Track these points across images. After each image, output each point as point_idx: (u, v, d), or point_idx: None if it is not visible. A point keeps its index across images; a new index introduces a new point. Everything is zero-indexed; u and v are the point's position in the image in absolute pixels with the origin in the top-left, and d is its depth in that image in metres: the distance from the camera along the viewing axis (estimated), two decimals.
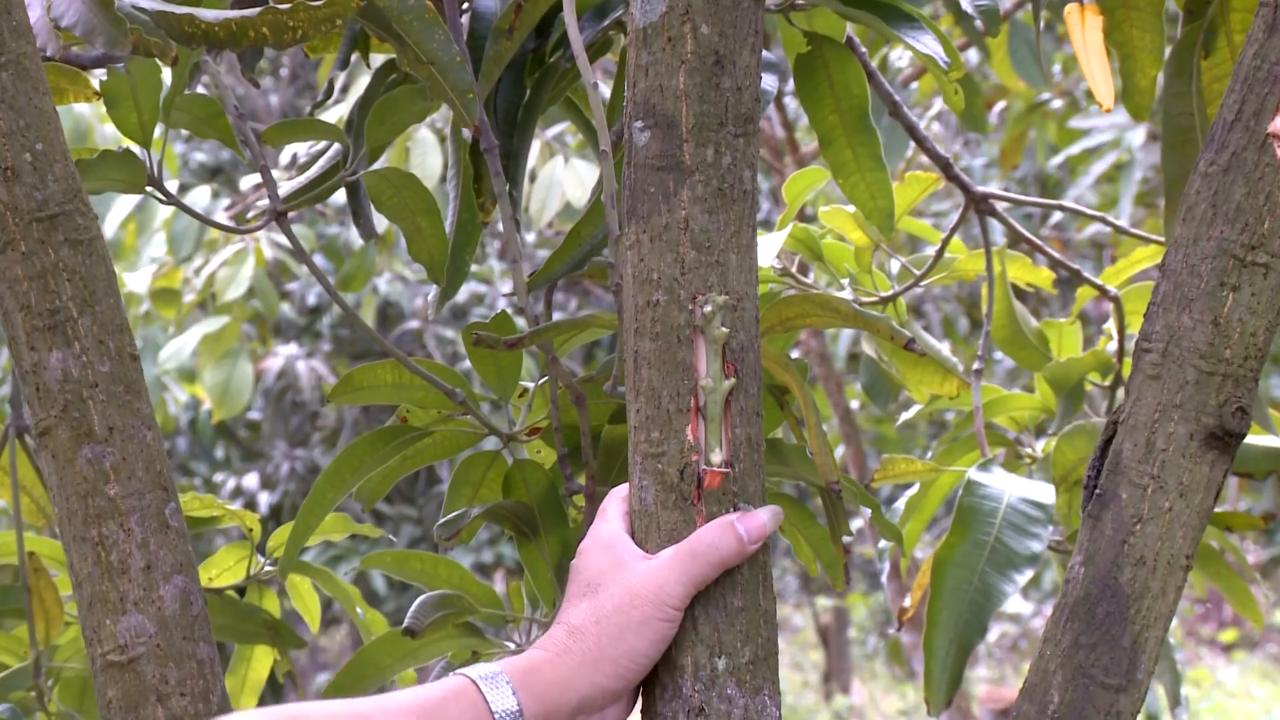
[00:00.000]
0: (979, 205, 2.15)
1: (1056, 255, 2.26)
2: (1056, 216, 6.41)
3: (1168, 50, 1.70)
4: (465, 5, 1.67)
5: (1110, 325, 2.16)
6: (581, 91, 1.80)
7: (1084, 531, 1.30)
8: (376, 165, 1.64)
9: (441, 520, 1.63)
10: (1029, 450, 2.11)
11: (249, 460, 8.18)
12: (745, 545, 1.25)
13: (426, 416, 1.66)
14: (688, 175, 1.27)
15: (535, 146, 4.67)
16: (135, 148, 1.59)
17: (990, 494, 1.69)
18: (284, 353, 7.11)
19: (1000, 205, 2.20)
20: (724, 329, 1.27)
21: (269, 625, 1.82)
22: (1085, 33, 1.75)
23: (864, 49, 1.86)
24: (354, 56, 1.72)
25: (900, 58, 4.35)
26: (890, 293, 2.16)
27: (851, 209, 2.11)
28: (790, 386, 1.50)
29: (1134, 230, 2.28)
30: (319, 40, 1.76)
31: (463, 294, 7.17)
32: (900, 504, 2.04)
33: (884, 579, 2.18)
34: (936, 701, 1.57)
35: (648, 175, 1.28)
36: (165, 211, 4.83)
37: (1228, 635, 11.57)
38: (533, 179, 4.67)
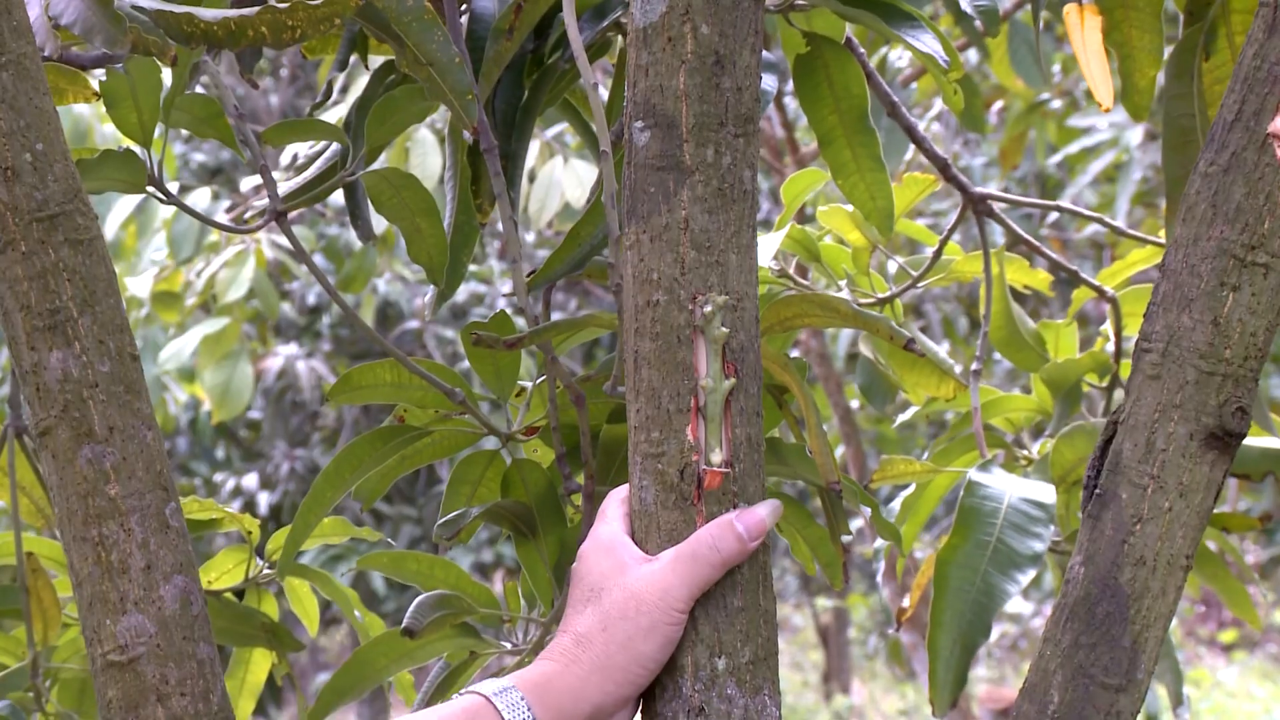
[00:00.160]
0: (977, 206, 2.15)
1: (1054, 256, 2.26)
2: (1056, 215, 6.41)
3: (1167, 51, 1.70)
4: (464, 6, 1.67)
5: (1108, 326, 2.16)
6: (579, 93, 1.80)
7: (1084, 531, 1.30)
8: (376, 166, 1.64)
9: (441, 520, 1.63)
10: (1025, 453, 2.11)
11: (249, 460, 8.18)
12: (746, 543, 1.25)
13: (425, 416, 1.66)
14: (688, 175, 1.27)
15: (534, 147, 4.67)
16: (135, 148, 1.59)
17: (991, 494, 1.69)
18: (284, 352, 7.11)
19: (998, 206, 2.20)
20: (724, 329, 1.27)
21: (267, 628, 1.82)
22: (1084, 33, 1.75)
23: (862, 50, 1.86)
24: (353, 58, 1.72)
25: (900, 58, 4.35)
26: (887, 294, 2.16)
27: (849, 209, 2.11)
28: (790, 386, 1.50)
29: (1131, 231, 2.28)
30: (317, 41, 1.76)
31: (462, 294, 7.18)
32: (896, 505, 2.05)
33: (879, 579, 2.18)
34: (942, 702, 1.57)
35: (648, 175, 1.28)
36: (166, 212, 4.83)
37: (1228, 635, 11.57)
38: (532, 179, 4.67)
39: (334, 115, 3.79)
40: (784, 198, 2.12)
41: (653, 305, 1.28)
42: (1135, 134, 5.31)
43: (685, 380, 1.27)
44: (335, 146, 1.72)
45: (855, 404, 5.42)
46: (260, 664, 1.94)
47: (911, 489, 2.06)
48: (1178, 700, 1.97)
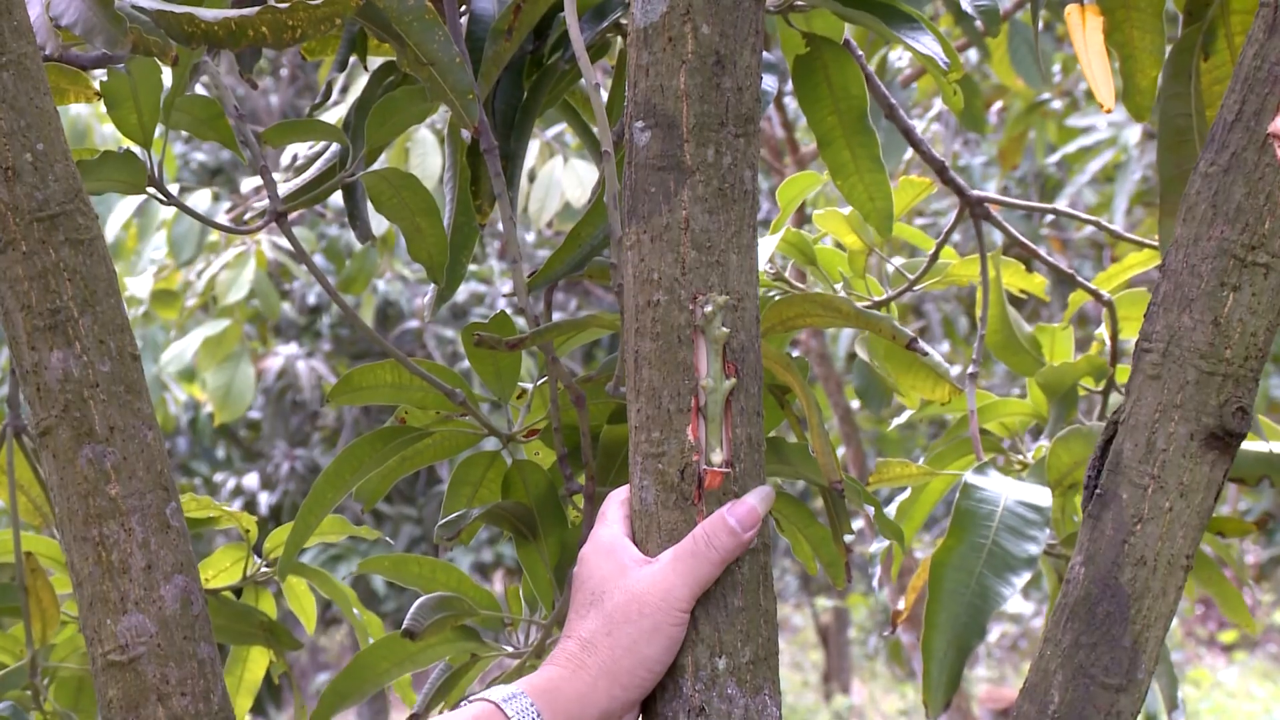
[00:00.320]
0: (974, 209, 2.15)
1: (1051, 260, 2.26)
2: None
3: (1168, 50, 1.70)
4: (464, 6, 1.67)
5: (1103, 330, 2.16)
6: (579, 94, 1.80)
7: (1084, 531, 1.30)
8: (375, 166, 1.64)
9: (441, 521, 1.63)
10: (1020, 457, 2.11)
11: (249, 460, 8.18)
12: (740, 535, 1.25)
13: (426, 417, 1.66)
14: (688, 175, 1.27)
15: (534, 147, 4.67)
16: (135, 148, 1.59)
17: (987, 497, 1.69)
18: (284, 352, 7.11)
19: (996, 209, 2.20)
20: (724, 329, 1.27)
21: (265, 626, 1.82)
22: (1086, 33, 1.75)
23: (860, 53, 1.86)
24: (352, 58, 1.73)
25: (900, 58, 4.35)
26: (883, 297, 2.16)
27: (846, 211, 2.11)
28: (792, 386, 1.50)
29: (1127, 235, 2.28)
30: (317, 42, 1.76)
31: (462, 294, 7.18)
32: (891, 509, 2.04)
33: (875, 583, 2.18)
34: (935, 703, 1.57)
35: (648, 175, 1.28)
36: (166, 213, 4.83)
37: (1228, 635, 11.58)
38: (532, 179, 4.68)
39: (334, 115, 3.79)
40: (779, 201, 2.12)
41: (653, 305, 1.28)
42: (1133, 133, 5.31)
43: (686, 380, 1.27)
44: (335, 147, 1.72)
45: (856, 404, 5.42)
46: (258, 661, 1.94)
47: (907, 493, 2.06)
48: (1172, 704, 1.97)
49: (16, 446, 1.75)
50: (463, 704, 1.24)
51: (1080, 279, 2.18)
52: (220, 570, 1.90)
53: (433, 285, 1.70)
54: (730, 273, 1.28)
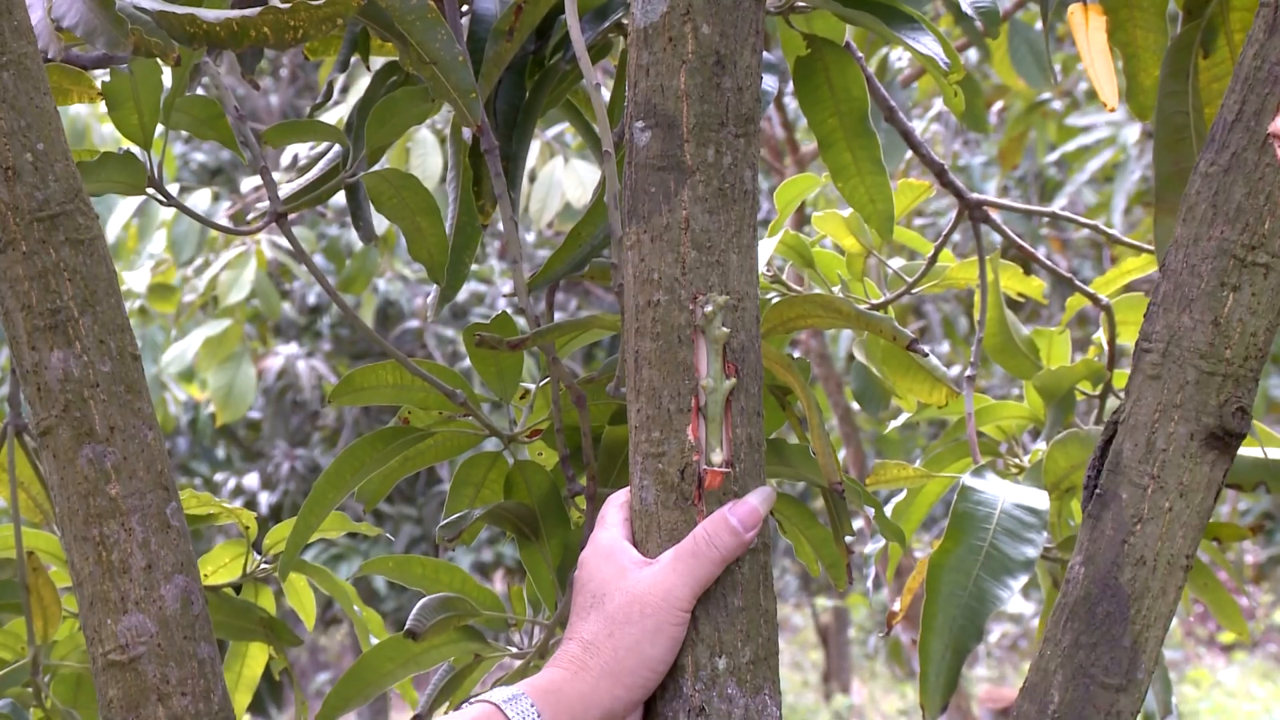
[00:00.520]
0: (973, 212, 2.15)
1: (1050, 264, 2.26)
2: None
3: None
4: (465, 7, 1.67)
5: (1100, 334, 2.16)
6: (580, 94, 1.80)
7: (1084, 531, 1.30)
8: (377, 167, 1.64)
9: (443, 522, 1.63)
10: (1016, 461, 2.11)
11: (249, 460, 8.18)
12: (742, 535, 1.25)
13: (428, 418, 1.66)
14: (688, 175, 1.27)
15: (535, 147, 4.67)
16: (135, 149, 1.59)
17: (985, 500, 1.69)
18: (284, 352, 7.12)
19: (995, 211, 2.20)
20: (725, 329, 1.27)
21: (265, 623, 1.82)
22: (1089, 33, 1.75)
23: (860, 54, 1.86)
24: (354, 58, 1.73)
25: (900, 58, 4.35)
26: (881, 300, 2.16)
27: (845, 213, 2.11)
28: (793, 386, 1.50)
29: (1124, 239, 2.28)
30: (319, 42, 1.76)
31: (463, 294, 7.18)
32: (887, 511, 2.04)
33: (869, 584, 2.18)
34: (932, 706, 1.57)
35: (648, 175, 1.28)
36: (166, 213, 4.83)
37: (1228, 635, 11.57)
38: (532, 179, 4.68)
39: (335, 116, 3.80)
40: (777, 203, 2.12)
41: (653, 305, 1.28)
42: (1132, 132, 5.31)
43: (686, 380, 1.27)
44: (336, 147, 1.72)
45: (856, 404, 5.42)
46: (257, 657, 1.94)
47: (903, 495, 2.06)
48: (1166, 709, 1.97)
49: (18, 446, 1.76)
50: (464, 705, 1.24)
51: (1078, 283, 2.18)
52: (220, 566, 1.90)
53: (435, 285, 1.70)
54: (730, 273, 1.28)
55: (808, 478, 1.57)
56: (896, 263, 2.26)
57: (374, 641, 1.79)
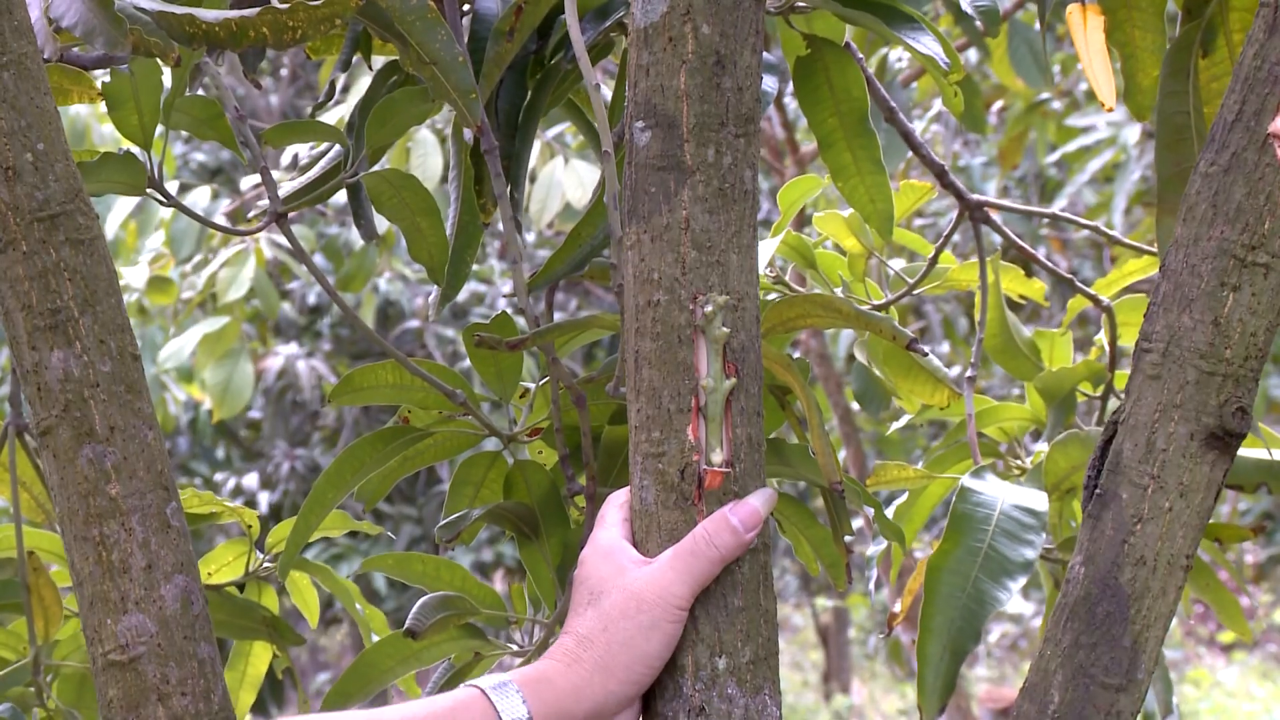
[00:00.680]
0: (973, 213, 2.15)
1: (1050, 265, 2.26)
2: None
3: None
4: (466, 7, 1.67)
5: (1102, 336, 2.16)
6: (582, 93, 1.80)
7: (1084, 531, 1.30)
8: (377, 167, 1.64)
9: (443, 522, 1.63)
10: (1018, 462, 2.11)
11: (249, 460, 8.18)
12: (742, 535, 1.25)
13: (427, 417, 1.66)
14: (688, 175, 1.27)
15: (535, 147, 4.67)
16: (135, 149, 1.59)
17: (984, 501, 1.69)
18: (284, 352, 7.12)
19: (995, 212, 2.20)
20: (725, 329, 1.27)
21: (267, 621, 1.82)
22: (1087, 33, 1.75)
23: (860, 54, 1.86)
24: (355, 58, 1.73)
25: (899, 58, 4.36)
26: (882, 301, 2.16)
27: (845, 214, 2.11)
28: (793, 386, 1.50)
29: (1124, 240, 2.28)
30: (320, 42, 1.76)
31: (463, 294, 7.18)
32: (889, 512, 2.04)
33: (871, 585, 2.18)
34: (930, 707, 1.57)
35: (649, 175, 1.28)
36: (164, 211, 4.84)
37: (1228, 635, 11.57)
38: (533, 179, 4.68)
39: (335, 116, 3.80)
40: (780, 204, 2.12)
41: (653, 305, 1.28)
42: (1133, 132, 5.31)
43: (686, 380, 1.27)
44: (337, 147, 1.72)
45: (856, 404, 5.42)
46: (260, 656, 1.94)
47: (905, 497, 2.06)
48: (1166, 709, 1.97)
49: (19, 446, 1.76)
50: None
51: (1079, 283, 2.18)
52: (222, 565, 1.90)
53: (435, 285, 1.70)
54: (730, 273, 1.28)
55: (808, 478, 1.57)
56: (897, 264, 2.26)
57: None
